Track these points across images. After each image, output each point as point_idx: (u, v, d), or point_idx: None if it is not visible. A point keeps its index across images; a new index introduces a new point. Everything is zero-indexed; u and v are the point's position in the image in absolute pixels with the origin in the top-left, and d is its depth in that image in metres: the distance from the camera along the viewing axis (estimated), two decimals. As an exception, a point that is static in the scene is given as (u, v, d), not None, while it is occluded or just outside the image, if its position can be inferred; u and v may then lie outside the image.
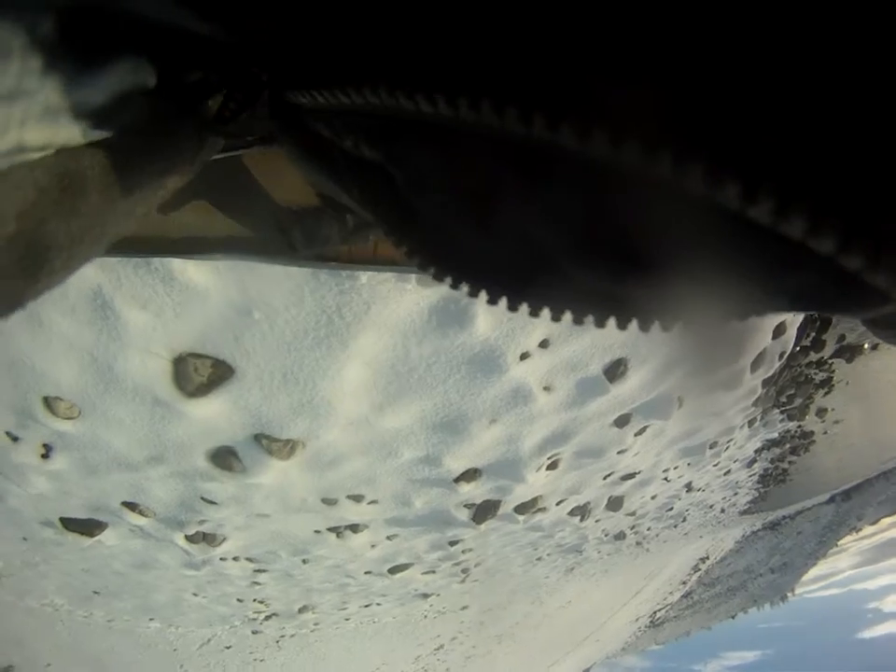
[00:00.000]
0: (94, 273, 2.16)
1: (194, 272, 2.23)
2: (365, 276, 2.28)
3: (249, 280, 2.31)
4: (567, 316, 0.39)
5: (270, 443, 3.12)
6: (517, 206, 0.32)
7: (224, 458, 3.25)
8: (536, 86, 0.25)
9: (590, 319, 0.38)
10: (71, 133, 0.37)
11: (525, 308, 0.40)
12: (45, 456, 3.10)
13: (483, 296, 0.41)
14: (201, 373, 2.66)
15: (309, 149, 0.48)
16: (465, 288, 0.42)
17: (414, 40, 0.29)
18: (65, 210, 0.39)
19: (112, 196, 0.44)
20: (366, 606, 7.54)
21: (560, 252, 0.34)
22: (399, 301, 2.40)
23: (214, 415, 2.88)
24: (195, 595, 5.80)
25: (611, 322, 0.38)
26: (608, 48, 0.22)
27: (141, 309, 2.30)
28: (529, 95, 0.24)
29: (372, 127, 0.36)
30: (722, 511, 10.09)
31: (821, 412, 6.93)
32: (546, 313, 0.39)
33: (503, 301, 0.41)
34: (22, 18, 0.33)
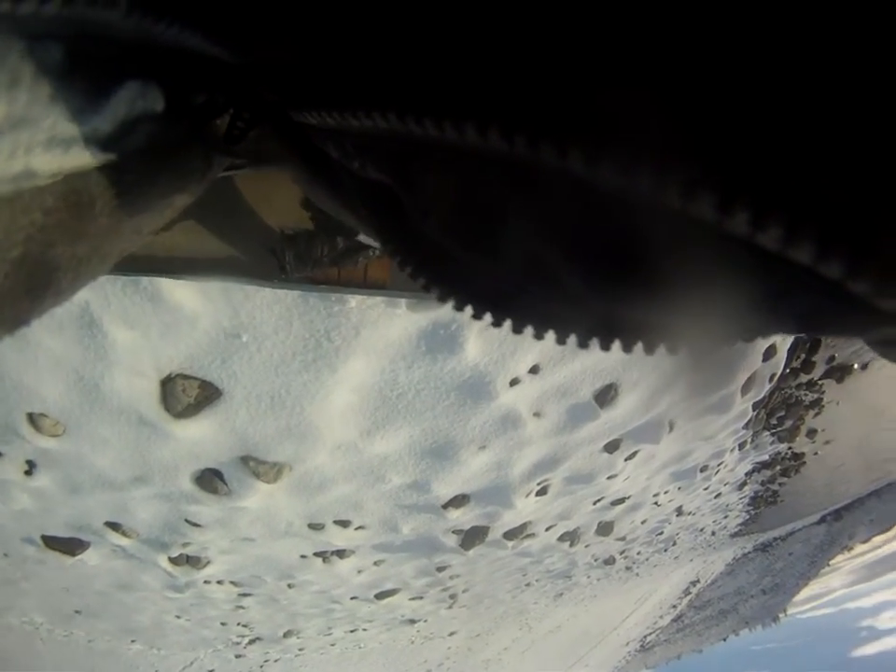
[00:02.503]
0: (82, 292, 2.09)
1: (182, 293, 2.20)
2: (354, 300, 2.25)
3: (238, 302, 2.29)
4: (573, 339, 0.37)
5: (256, 466, 3.07)
6: (520, 226, 0.32)
7: (210, 481, 3.19)
8: (543, 113, 0.24)
9: (595, 342, 0.36)
10: (79, 158, 0.37)
11: (529, 331, 0.39)
12: (28, 473, 3.04)
13: (488, 319, 0.40)
14: (188, 394, 2.62)
15: (316, 169, 0.48)
16: (469, 310, 0.41)
17: (423, 64, 0.30)
18: (73, 233, 0.39)
19: (120, 217, 0.43)
20: (352, 631, 7.42)
21: (564, 271, 0.32)
22: (388, 325, 2.36)
23: (200, 437, 2.83)
24: (178, 617, 5.69)
25: (616, 345, 0.36)
26: (611, 71, 0.22)
27: (129, 328, 2.25)
28: (537, 122, 0.24)
29: (381, 149, 0.36)
30: (713, 533, 10.03)
31: (812, 432, 6.94)
32: (551, 335, 0.38)
33: (507, 324, 0.40)
34: (33, 46, 0.33)
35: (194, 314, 2.27)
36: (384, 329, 2.37)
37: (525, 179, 0.29)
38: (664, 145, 0.21)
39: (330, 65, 0.36)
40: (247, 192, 1.86)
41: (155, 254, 1.96)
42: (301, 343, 2.45)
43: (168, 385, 2.56)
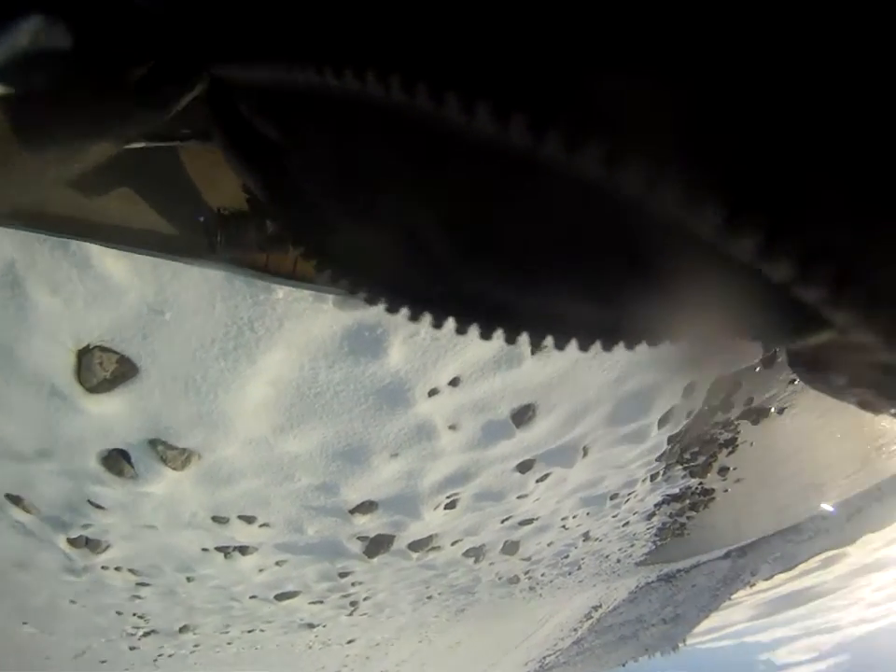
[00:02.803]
0: (8, 249, 1.98)
1: (111, 262, 2.10)
2: (282, 291, 2.20)
3: (166, 279, 2.20)
4: (475, 330, 0.36)
5: (165, 451, 2.92)
6: (403, 195, 0.30)
7: (116, 462, 3.02)
8: (449, 64, 0.23)
9: (488, 332, 0.36)
10: None
11: (428, 319, 0.37)
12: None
13: (383, 304, 0.39)
14: (105, 368, 2.49)
15: (233, 137, 0.47)
16: (362, 294, 0.40)
17: (323, 11, 0.28)
18: None
19: (13, 153, 0.41)
20: (249, 631, 7.15)
21: (437, 243, 0.31)
22: (313, 321, 2.32)
23: (111, 414, 2.68)
24: (73, 602, 5.31)
25: (499, 333, 0.35)
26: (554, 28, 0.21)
27: (52, 293, 2.13)
28: (442, 72, 0.22)
29: (279, 105, 0.35)
30: (618, 561, 10.20)
31: (724, 470, 7.11)
32: (451, 323, 0.37)
33: (405, 311, 0.38)
34: None
35: (121, 285, 2.17)
36: (308, 324, 2.33)
37: (410, 143, 0.27)
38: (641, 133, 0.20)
39: (242, 14, 0.35)
40: (191, 167, 1.80)
41: (87, 217, 1.87)
42: (222, 328, 2.36)
43: (85, 357, 2.42)
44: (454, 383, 2.74)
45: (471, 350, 2.57)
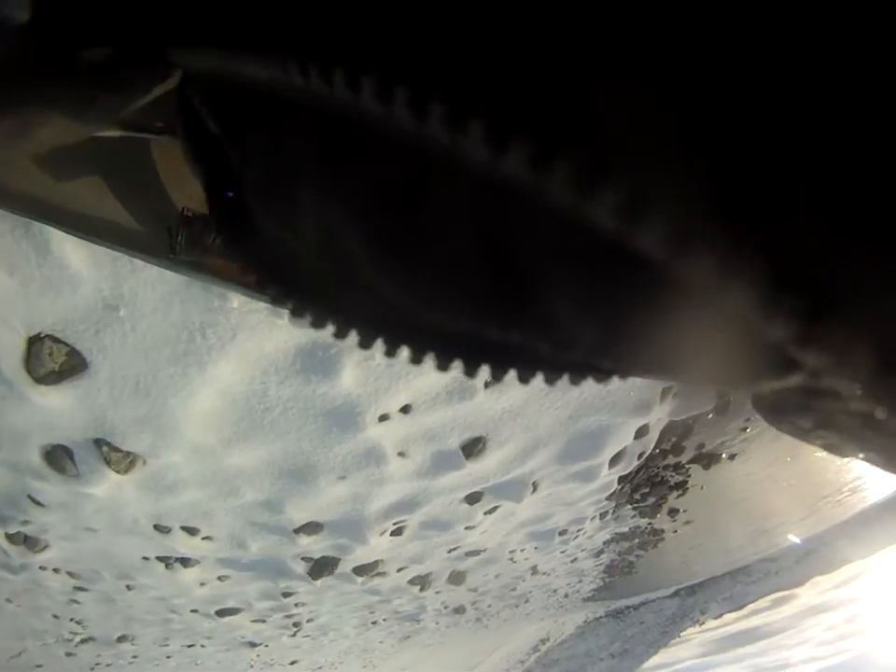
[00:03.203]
0: None
1: (72, 250, 2.04)
2: (237, 301, 2.15)
3: (123, 274, 2.14)
4: (373, 342, 0.35)
5: (109, 452, 2.81)
6: (319, 194, 0.29)
7: (59, 458, 2.89)
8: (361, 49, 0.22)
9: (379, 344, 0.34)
10: None
11: (354, 337, 0.36)
12: None
13: (308, 318, 0.37)
14: (54, 359, 2.39)
15: (188, 133, 0.45)
16: (307, 316, 0.38)
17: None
18: None
19: None
20: (189, 646, 6.84)
21: (358, 250, 0.29)
22: (267, 334, 2.27)
23: (57, 408, 2.57)
24: (9, 601, 5.02)
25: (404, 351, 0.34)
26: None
27: (7, 274, 2.05)
28: (380, 62, 0.22)
29: (219, 93, 0.34)
30: (566, 596, 10.08)
31: (673, 512, 7.07)
32: (406, 352, 0.35)
33: (330, 327, 0.36)
34: None
35: (78, 275, 2.10)
36: (261, 338, 2.28)
37: (329, 139, 0.26)
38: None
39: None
40: (162, 164, 1.78)
41: (52, 201, 1.82)
42: (175, 332, 2.30)
43: (35, 345, 2.33)
44: (405, 410, 2.70)
45: (424, 379, 2.54)
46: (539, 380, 0.32)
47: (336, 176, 0.27)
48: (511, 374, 0.32)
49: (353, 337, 0.36)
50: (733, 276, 0.16)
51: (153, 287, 2.19)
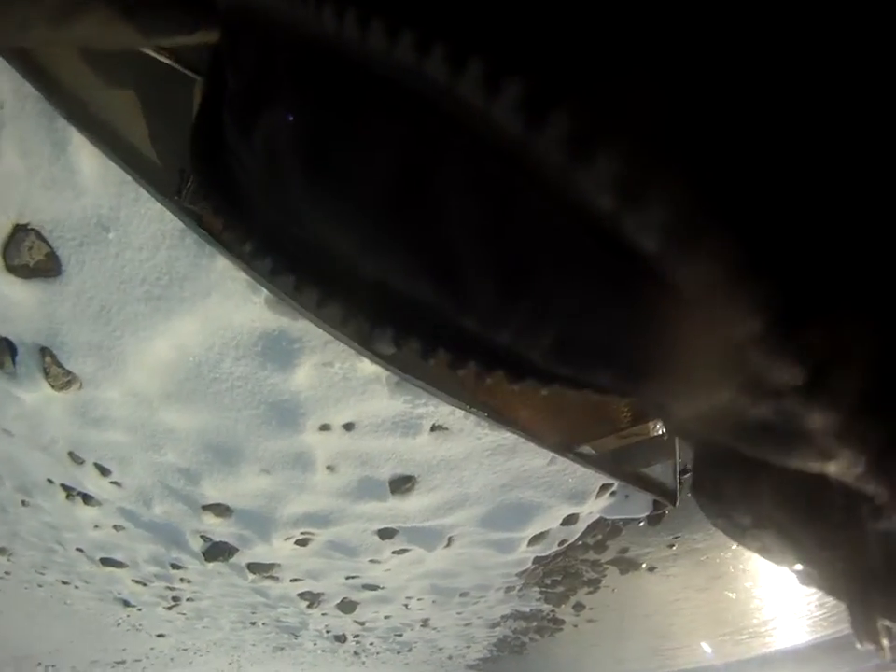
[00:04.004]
0: (6, 90, 1.84)
1: (86, 158, 1.98)
2: (222, 263, 2.09)
3: (127, 199, 2.07)
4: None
5: (51, 365, 2.69)
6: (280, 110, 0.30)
7: (1, 351, 2.75)
8: None
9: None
10: None
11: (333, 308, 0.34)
12: None
13: (291, 280, 0.36)
14: (32, 255, 2.30)
15: (209, 81, 0.43)
16: (248, 247, 0.37)
17: None
18: None
19: None
20: (64, 583, 6.47)
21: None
22: (239, 306, 2.20)
23: (18, 302, 2.45)
24: None
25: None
26: None
27: (21, 155, 1.98)
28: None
29: (239, 30, 0.33)
30: (450, 657, 9.71)
31: (579, 606, 6.87)
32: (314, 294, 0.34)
33: (311, 293, 0.35)
34: None
35: (84, 185, 2.04)
36: (232, 307, 2.20)
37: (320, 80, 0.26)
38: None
39: None
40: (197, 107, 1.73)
41: (84, 101, 1.76)
42: (155, 274, 2.22)
43: (19, 234, 2.24)
44: (348, 427, 2.60)
45: (377, 403, 2.44)
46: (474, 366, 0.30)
47: (300, 95, 0.27)
48: (441, 353, 0.31)
49: (289, 280, 0.35)
50: (700, 254, 0.16)
51: (149, 223, 2.13)
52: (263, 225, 0.36)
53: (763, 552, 0.33)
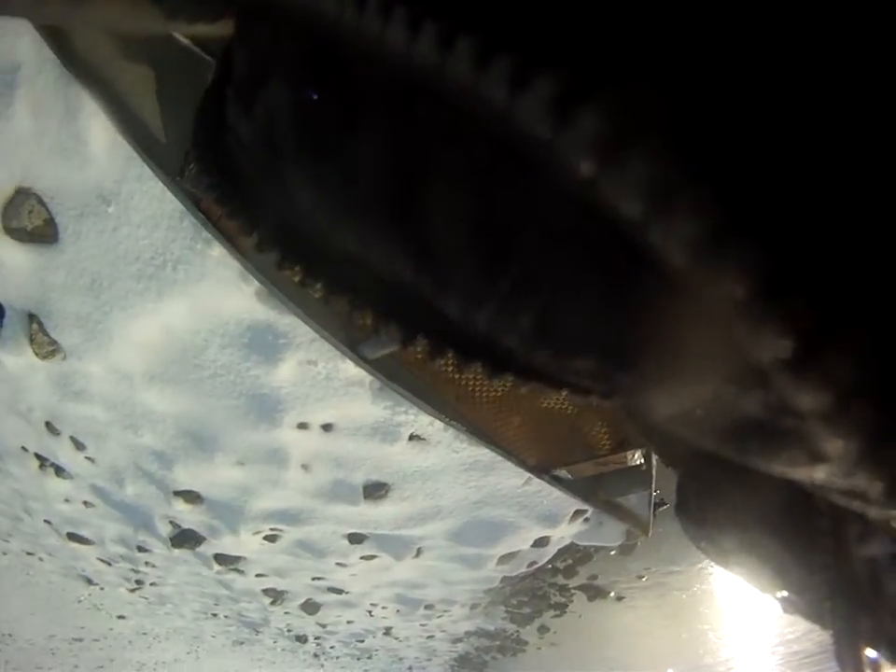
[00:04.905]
0: (25, 51, 1.82)
1: (97, 129, 1.94)
2: (218, 251, 2.06)
3: (132, 175, 2.04)
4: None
5: (37, 332, 2.65)
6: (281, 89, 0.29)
7: None
8: None
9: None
10: None
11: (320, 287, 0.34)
12: None
13: (297, 267, 0.35)
14: (31, 220, 2.27)
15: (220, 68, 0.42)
16: (241, 220, 0.37)
17: None
18: None
19: None
20: (28, 553, 6.34)
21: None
22: (230, 294, 2.17)
23: (11, 265, 2.41)
24: None
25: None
26: None
27: (33, 116, 1.94)
28: None
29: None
30: (410, 669, 9.62)
31: (543, 629, 6.83)
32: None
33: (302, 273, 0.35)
34: None
35: (91, 155, 2.01)
36: (223, 295, 2.17)
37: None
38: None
39: None
40: None
41: (100, 68, 1.76)
42: (150, 252, 2.19)
43: (20, 196, 2.20)
44: (327, 427, 2.57)
45: (358, 407, 2.41)
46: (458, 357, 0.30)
47: (303, 76, 0.27)
48: (421, 340, 0.31)
49: (274, 255, 0.35)
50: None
51: (150, 202, 2.10)
52: (264, 214, 0.36)
53: (748, 577, 0.33)
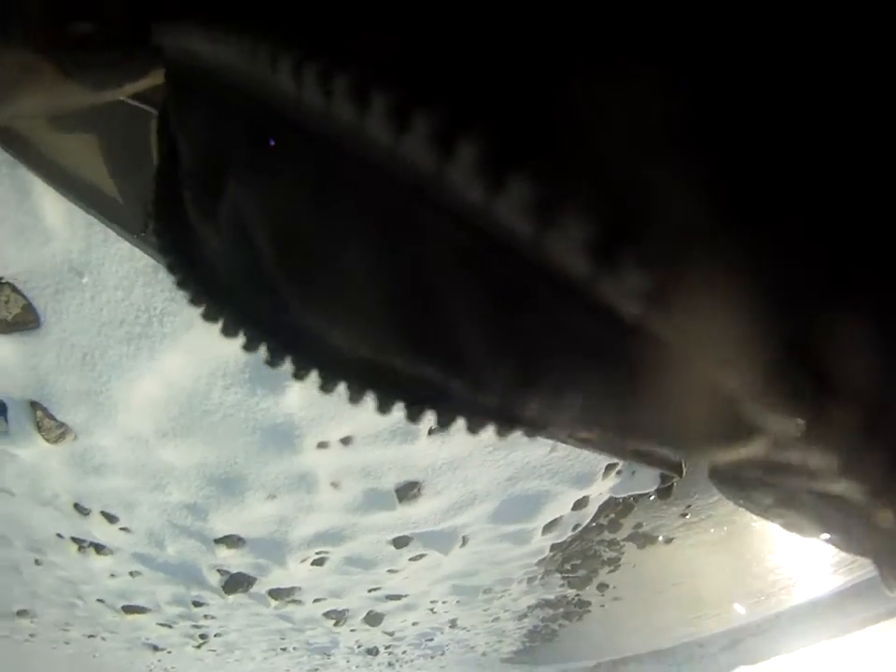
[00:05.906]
0: None
1: (50, 204, 1.91)
2: None
3: (96, 241, 2.02)
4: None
5: (43, 418, 2.62)
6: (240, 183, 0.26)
7: None
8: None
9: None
10: None
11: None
12: None
13: (220, 323, 0.35)
14: (9, 309, 2.24)
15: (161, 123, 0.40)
16: (202, 306, 0.36)
17: None
18: None
19: None
20: (90, 636, 6.40)
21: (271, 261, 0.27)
22: (222, 336, 2.11)
23: (1, 359, 2.38)
24: None
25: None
26: None
27: None
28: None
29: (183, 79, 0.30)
30: (484, 654, 9.60)
31: (603, 586, 6.72)
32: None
33: (241, 338, 0.35)
34: None
35: (52, 230, 1.98)
36: (216, 338, 2.10)
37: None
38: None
39: None
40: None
41: (41, 148, 1.73)
42: (133, 312, 2.18)
43: None
44: (346, 441, 2.56)
45: (370, 415, 2.35)
46: (461, 425, 0.28)
47: (258, 165, 0.25)
48: (427, 414, 0.28)
49: (263, 351, 0.33)
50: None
51: (121, 262, 2.08)
52: (245, 308, 0.33)
53: (788, 527, 0.33)
